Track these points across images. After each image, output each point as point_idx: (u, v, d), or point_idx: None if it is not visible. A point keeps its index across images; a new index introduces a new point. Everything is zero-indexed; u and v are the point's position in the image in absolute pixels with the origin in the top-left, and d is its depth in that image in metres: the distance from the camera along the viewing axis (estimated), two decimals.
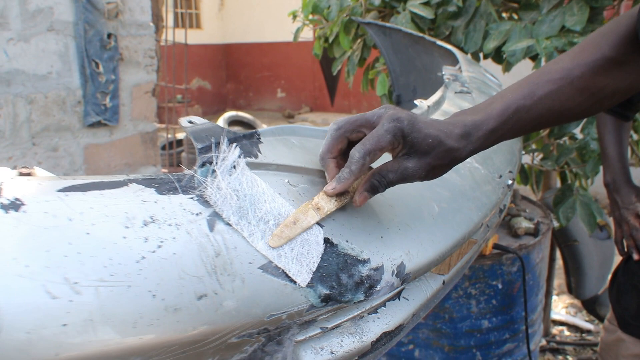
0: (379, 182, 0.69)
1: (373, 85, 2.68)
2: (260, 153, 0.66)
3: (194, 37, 10.33)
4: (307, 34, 3.07)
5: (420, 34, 2.03)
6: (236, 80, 11.73)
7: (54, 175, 0.54)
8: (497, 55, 2.13)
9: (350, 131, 0.69)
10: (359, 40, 2.56)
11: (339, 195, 0.68)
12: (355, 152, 0.66)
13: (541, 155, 2.45)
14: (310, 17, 2.78)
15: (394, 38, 2.17)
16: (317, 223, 0.63)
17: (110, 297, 0.47)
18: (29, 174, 0.55)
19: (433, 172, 0.72)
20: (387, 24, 2.19)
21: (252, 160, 0.64)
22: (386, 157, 0.72)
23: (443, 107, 1.24)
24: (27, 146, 2.34)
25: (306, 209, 0.64)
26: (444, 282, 0.89)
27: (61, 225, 0.48)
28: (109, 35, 2.50)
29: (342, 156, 0.71)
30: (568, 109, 0.78)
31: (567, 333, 3.16)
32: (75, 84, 2.45)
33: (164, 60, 4.74)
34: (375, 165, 0.70)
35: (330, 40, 2.58)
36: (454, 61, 1.77)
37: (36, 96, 2.35)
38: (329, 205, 0.66)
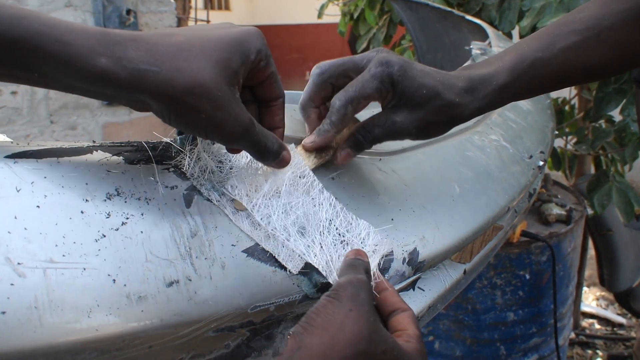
0: (363, 138, 0.61)
1: None
2: None
3: (223, 18, 10.30)
4: (336, 16, 2.97)
5: (449, 9, 1.93)
6: None
7: (10, 140, 0.47)
8: None
9: (335, 76, 0.61)
10: (385, 17, 2.46)
11: (319, 150, 0.60)
12: (336, 100, 0.58)
13: (575, 139, 2.33)
14: None
15: (421, 13, 2.07)
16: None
17: (61, 280, 0.40)
18: None
19: (427, 129, 0.62)
20: None
21: None
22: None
23: None
24: (45, 124, 2.31)
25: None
26: (465, 272, 0.80)
27: (6, 197, 0.41)
28: (128, 11, 2.44)
29: (326, 105, 0.63)
30: (593, 65, 0.66)
31: (597, 326, 3.04)
32: None
33: None
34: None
35: (355, 16, 2.49)
36: (484, 37, 1.67)
37: None
38: (307, 161, 0.58)
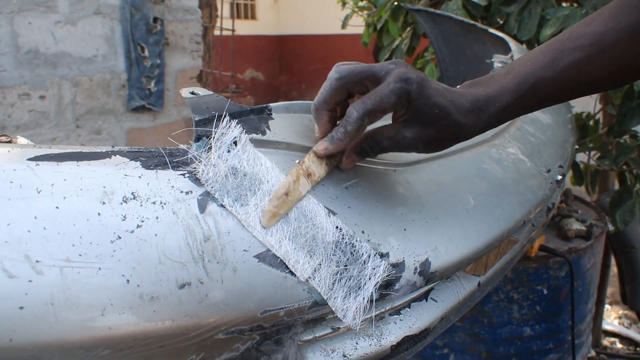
0: (370, 148, 0.62)
1: None
2: (270, 130, 0.59)
3: (249, 27, 10.38)
4: (361, 27, 2.98)
5: (472, 22, 1.92)
6: (289, 72, 11.74)
7: (33, 144, 0.49)
8: None
9: (352, 83, 0.61)
10: (408, 29, 2.47)
11: (329, 157, 0.61)
12: (354, 111, 0.59)
13: (598, 154, 2.30)
14: (360, 3, 2.69)
15: (444, 26, 2.07)
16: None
17: (77, 279, 0.41)
18: (9, 142, 0.50)
19: (433, 145, 0.64)
20: (437, 11, 2.09)
21: (259, 137, 0.57)
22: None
23: None
24: (71, 128, 2.36)
25: (297, 174, 0.57)
26: (479, 284, 0.80)
27: (27, 197, 0.42)
28: (155, 20, 2.49)
29: (338, 109, 0.64)
30: (597, 81, 0.66)
31: (619, 345, 2.99)
32: (120, 68, 2.45)
33: (217, 49, 4.74)
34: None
35: (379, 27, 2.50)
36: (506, 50, 1.67)
37: (81, 79, 2.35)
38: (319, 170, 0.59)
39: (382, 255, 0.58)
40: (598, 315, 2.78)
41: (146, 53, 2.49)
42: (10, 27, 2.14)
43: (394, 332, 0.64)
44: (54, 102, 2.29)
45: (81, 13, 2.31)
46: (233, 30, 4.13)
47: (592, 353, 2.80)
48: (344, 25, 2.81)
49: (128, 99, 2.49)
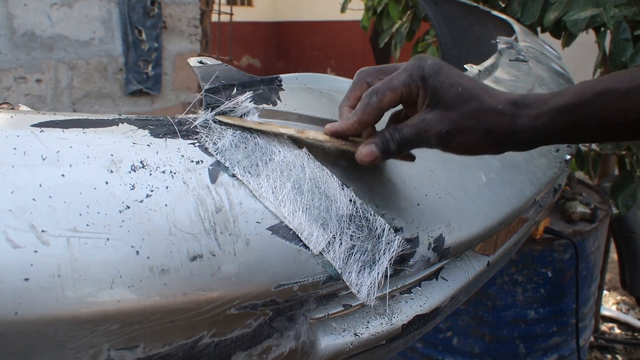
0: (390, 136, 0.55)
1: None
2: (280, 101, 0.57)
3: (245, 14, 10.30)
4: (358, 13, 2.95)
5: (475, 4, 1.90)
6: (286, 59, 11.67)
7: (35, 111, 0.47)
8: (557, 29, 1.98)
9: (372, 75, 0.58)
10: (408, 12, 2.44)
11: (338, 138, 0.57)
12: (364, 93, 0.56)
13: None
14: None
15: (447, 8, 2.05)
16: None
17: (84, 250, 0.39)
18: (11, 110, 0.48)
19: (460, 135, 0.55)
20: None
21: (270, 107, 0.55)
22: None
23: (496, 73, 1.13)
24: (68, 112, 2.33)
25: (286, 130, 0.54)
26: (488, 264, 0.79)
27: (32, 165, 0.40)
28: (153, 2, 2.45)
29: None
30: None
31: (617, 331, 2.99)
32: (118, 51, 2.42)
33: (214, 35, 4.70)
34: None
35: (379, 10, 2.47)
36: (510, 33, 1.65)
37: (78, 62, 2.32)
38: (316, 135, 0.56)
39: (396, 230, 0.56)
40: (597, 301, 2.78)
41: (143, 36, 2.45)
42: (5, 9, 2.10)
43: (405, 311, 0.62)
44: (50, 86, 2.26)
45: None
46: (231, 15, 4.09)
47: (591, 338, 2.81)
48: (343, 9, 2.77)
49: (125, 82, 2.46)
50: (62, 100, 2.29)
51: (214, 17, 4.00)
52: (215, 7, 4.06)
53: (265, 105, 0.55)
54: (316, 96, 0.63)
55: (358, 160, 0.55)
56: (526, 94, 0.60)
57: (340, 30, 10.49)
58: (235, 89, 0.53)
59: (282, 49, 11.76)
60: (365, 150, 0.55)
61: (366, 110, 0.55)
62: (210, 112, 0.50)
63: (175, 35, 2.61)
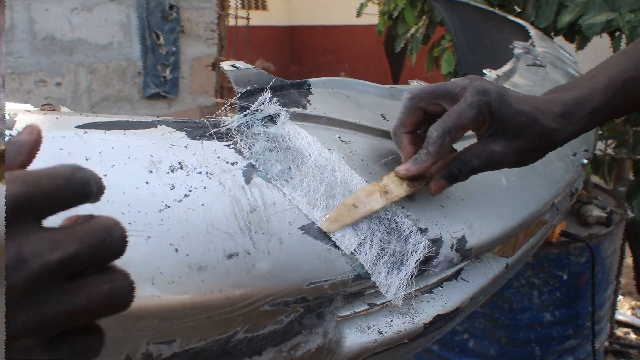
0: (459, 170, 0.58)
1: (438, 64, 2.56)
2: (310, 104, 0.59)
3: (259, 18, 10.33)
4: (372, 18, 2.96)
5: (491, 9, 1.91)
6: (300, 63, 11.70)
7: (78, 113, 0.49)
8: (570, 32, 1.98)
9: (425, 101, 0.59)
10: (424, 17, 2.45)
11: (412, 179, 0.59)
12: (433, 131, 0.56)
13: (615, 143, 2.29)
14: None
15: (463, 13, 2.06)
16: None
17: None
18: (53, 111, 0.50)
19: (524, 157, 0.61)
20: None
21: (300, 111, 0.57)
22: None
23: (514, 79, 1.14)
24: None
25: (372, 190, 0.55)
26: (507, 266, 0.80)
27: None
28: (171, 7, 2.48)
29: (417, 132, 0.62)
30: None
31: (632, 336, 2.97)
32: (136, 55, 2.45)
33: (230, 39, 4.73)
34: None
35: (395, 15, 2.48)
36: (526, 37, 1.65)
37: (97, 66, 2.36)
38: (399, 190, 0.57)
39: (421, 231, 0.58)
40: (612, 305, 2.77)
41: (162, 40, 2.49)
42: (28, 14, 2.14)
43: (427, 310, 0.64)
44: (70, 89, 2.29)
45: (96, 0, 2.31)
46: (248, 19, 4.12)
47: (606, 343, 2.80)
48: (359, 14, 2.79)
49: (143, 86, 2.49)
50: (81, 104, 2.32)
51: (230, 21, 4.03)
52: (231, 11, 4.09)
53: (295, 109, 0.56)
54: (344, 100, 0.64)
55: (431, 193, 0.60)
56: (565, 97, 0.62)
57: (354, 34, 10.51)
58: (266, 92, 0.55)
59: (296, 53, 11.79)
60: (437, 186, 0.59)
61: (441, 151, 0.57)
62: (244, 115, 0.52)
63: (193, 39, 2.64)
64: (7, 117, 0.45)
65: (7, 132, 0.43)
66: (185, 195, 0.44)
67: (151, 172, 0.44)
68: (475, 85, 0.57)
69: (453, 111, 0.56)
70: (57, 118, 0.45)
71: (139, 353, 0.43)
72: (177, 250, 0.43)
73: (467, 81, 0.58)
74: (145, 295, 0.41)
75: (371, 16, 2.97)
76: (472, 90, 0.57)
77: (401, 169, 0.58)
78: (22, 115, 0.44)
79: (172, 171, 0.45)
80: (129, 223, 0.42)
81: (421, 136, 0.61)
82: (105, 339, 0.32)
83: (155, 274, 0.42)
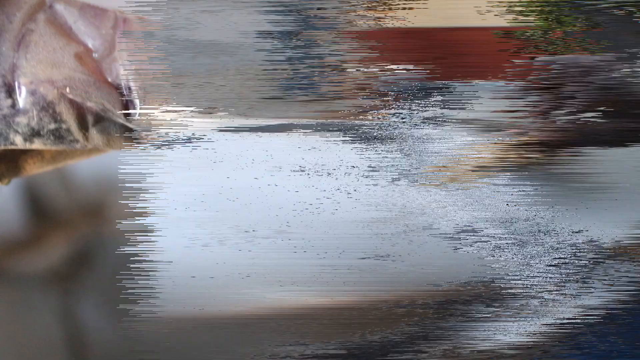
0: None
1: None
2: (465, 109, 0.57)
3: None
4: None
5: None
6: None
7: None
8: None
9: None
10: None
11: None
12: None
13: None
14: None
15: None
16: None
17: (261, 250, 0.41)
18: None
19: None
20: None
21: (457, 114, 0.55)
22: None
23: None
24: None
25: None
26: None
27: (209, 168, 0.43)
28: None
29: None
30: None
31: None
32: None
33: None
34: None
35: None
36: None
37: None
38: None
39: (573, 232, 0.55)
40: None
41: None
42: None
43: (566, 314, 0.61)
44: None
45: None
46: None
47: None
48: None
49: None
50: None
51: None
52: None
53: (450, 111, 0.55)
54: None
55: None
56: None
57: None
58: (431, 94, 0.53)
59: None
60: None
61: None
62: (394, 115, 0.51)
63: None
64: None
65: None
66: (318, 199, 0.44)
67: (287, 175, 0.44)
68: None
69: None
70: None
71: (266, 354, 0.44)
72: (317, 254, 0.43)
73: None
74: (281, 298, 0.42)
75: None
76: None
77: None
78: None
79: (306, 174, 0.45)
80: (265, 226, 0.42)
81: None
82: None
83: (291, 276, 0.42)
